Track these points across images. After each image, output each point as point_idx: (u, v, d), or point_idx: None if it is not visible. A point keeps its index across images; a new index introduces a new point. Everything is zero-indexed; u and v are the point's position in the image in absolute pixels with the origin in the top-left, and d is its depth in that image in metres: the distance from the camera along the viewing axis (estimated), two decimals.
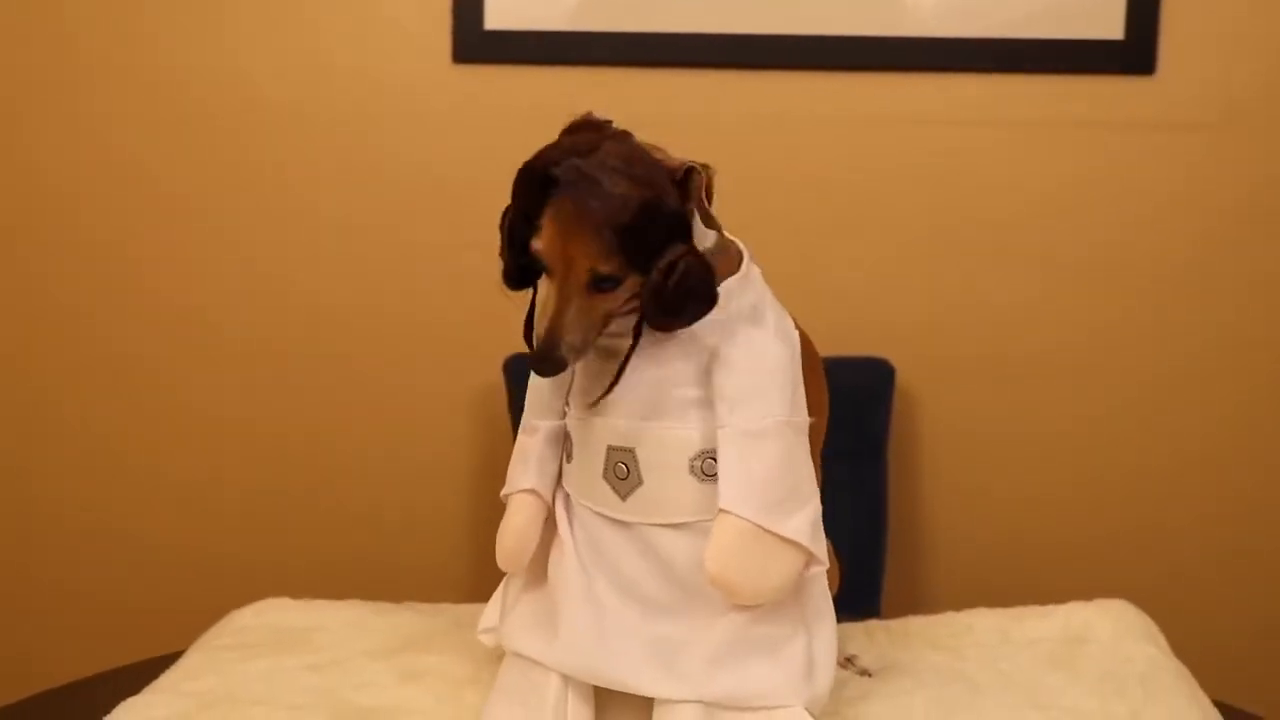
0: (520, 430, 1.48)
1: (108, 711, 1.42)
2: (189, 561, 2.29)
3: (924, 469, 2.24)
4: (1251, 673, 2.15)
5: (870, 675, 1.55)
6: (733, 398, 1.33)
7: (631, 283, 1.30)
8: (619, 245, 1.27)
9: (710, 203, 1.33)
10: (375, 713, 1.43)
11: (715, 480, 1.34)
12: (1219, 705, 1.52)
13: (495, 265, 2.17)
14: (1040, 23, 2.12)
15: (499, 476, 2.19)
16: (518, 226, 1.36)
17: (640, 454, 1.36)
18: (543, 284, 1.36)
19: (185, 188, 2.23)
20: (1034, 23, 2.12)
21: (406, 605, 1.78)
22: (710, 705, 1.33)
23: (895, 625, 1.74)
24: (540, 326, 1.32)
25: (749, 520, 1.30)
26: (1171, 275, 2.17)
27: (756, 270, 1.39)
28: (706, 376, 1.35)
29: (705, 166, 1.31)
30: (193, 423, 2.27)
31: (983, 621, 1.70)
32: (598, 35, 2.15)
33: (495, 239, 2.17)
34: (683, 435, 1.36)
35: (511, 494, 1.46)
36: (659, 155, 1.32)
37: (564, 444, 1.45)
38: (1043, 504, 2.23)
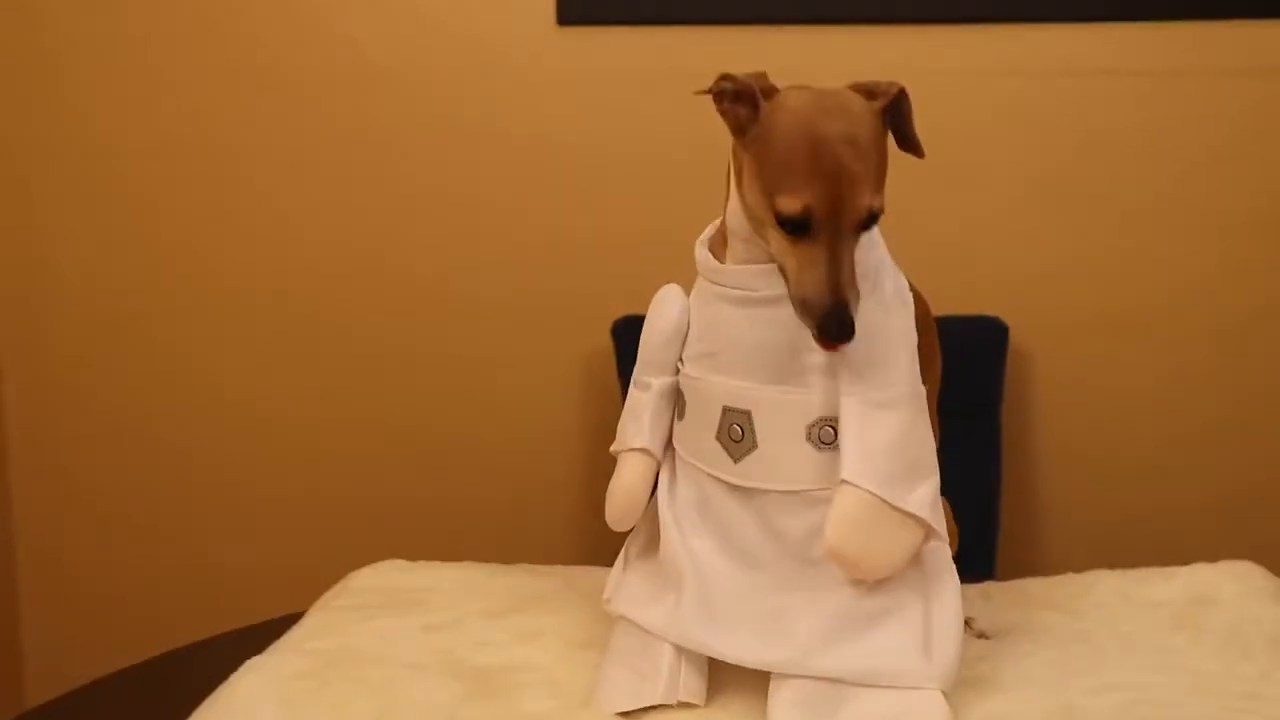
0: (632, 385, 1.46)
1: (234, 669, 1.45)
2: (310, 526, 2.34)
3: (1038, 428, 2.20)
4: None
5: (988, 638, 1.53)
6: (857, 366, 1.30)
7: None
8: (883, 176, 1.25)
9: None
10: (492, 671, 1.44)
11: (832, 448, 1.32)
12: None
13: (602, 227, 2.20)
14: None
15: (609, 440, 2.20)
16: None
17: (756, 417, 1.34)
18: (778, 242, 1.26)
19: (284, 154, 2.25)
20: None
21: (520, 567, 1.79)
22: (823, 680, 1.30)
23: (1013, 587, 1.71)
24: (817, 289, 1.22)
25: (871, 493, 1.28)
26: (1277, 219, 2.12)
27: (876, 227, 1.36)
28: None
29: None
30: (311, 394, 2.32)
31: (1103, 583, 1.67)
32: None
33: (601, 202, 2.20)
34: (802, 400, 1.33)
35: (622, 451, 1.45)
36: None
37: (676, 401, 1.43)
38: (1161, 462, 2.19)
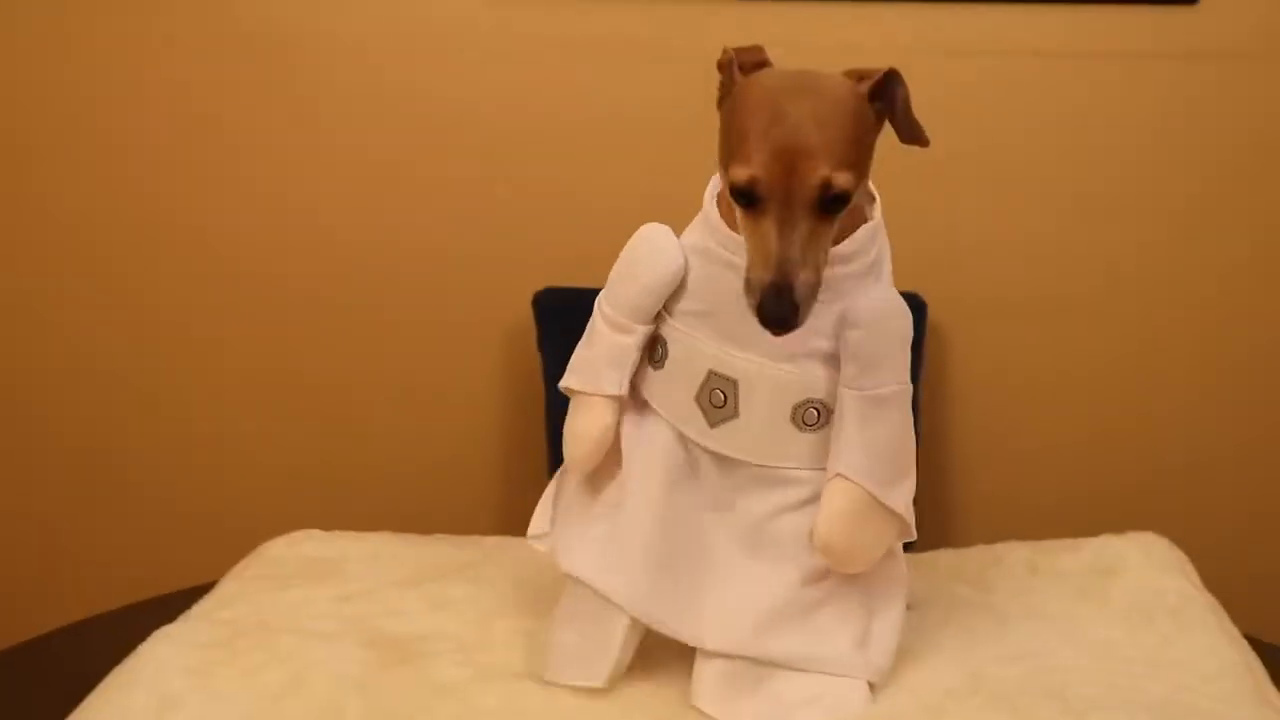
0: (604, 322, 1.40)
1: (143, 639, 1.44)
2: (222, 495, 2.31)
3: (954, 404, 2.23)
4: None
5: (910, 609, 1.55)
6: (864, 359, 1.29)
7: (832, 227, 1.22)
8: (853, 155, 1.20)
9: None
10: (406, 640, 1.44)
11: (813, 430, 1.32)
12: (1249, 639, 1.52)
13: (525, 199, 2.19)
14: None
15: (528, 411, 2.21)
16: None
17: (743, 387, 1.32)
18: (740, 219, 1.24)
19: (209, 122, 2.21)
20: None
21: (436, 537, 1.79)
22: (753, 662, 1.32)
23: (925, 559, 1.73)
24: (760, 268, 1.18)
25: (865, 489, 1.29)
26: (1208, 208, 2.14)
27: (879, 215, 1.35)
28: (836, 329, 1.30)
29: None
30: (221, 359, 2.28)
31: (1012, 554, 1.70)
32: None
33: (523, 172, 2.19)
34: (796, 380, 1.32)
35: (592, 394, 1.40)
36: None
37: (650, 348, 1.40)
38: (1074, 440, 2.22)
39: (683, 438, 1.37)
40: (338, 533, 1.79)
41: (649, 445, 1.39)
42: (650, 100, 2.14)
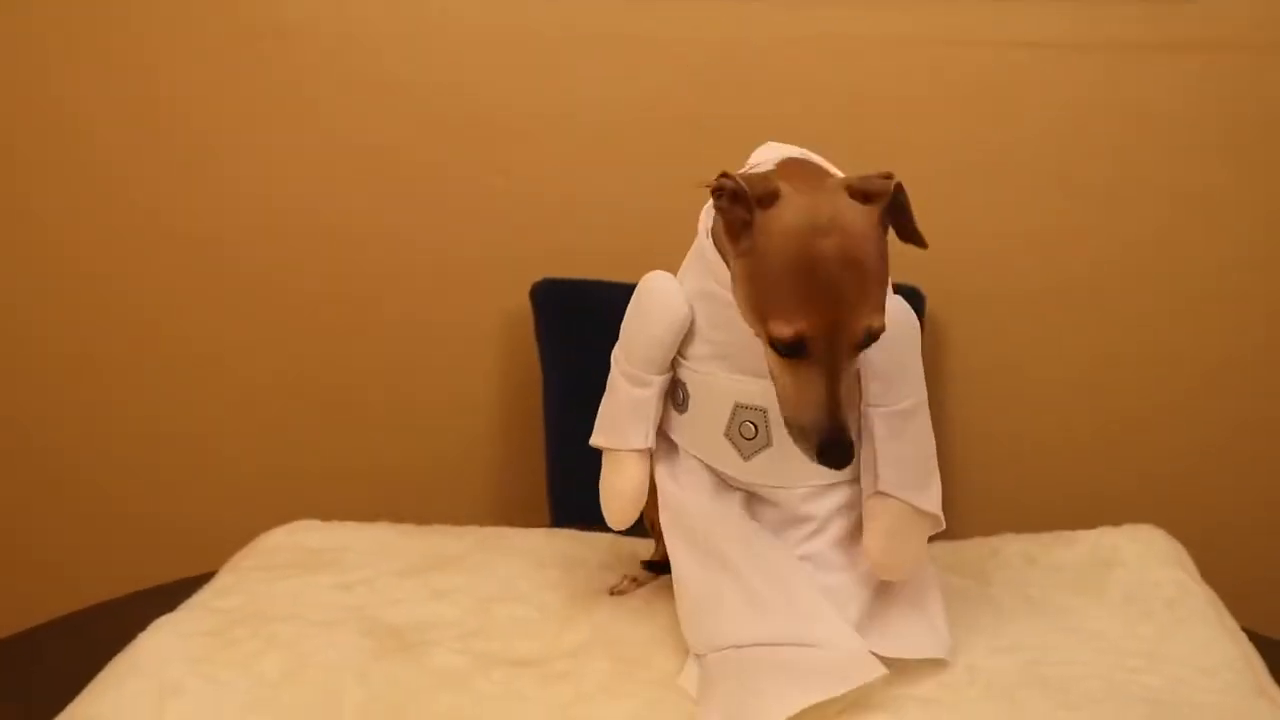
0: (622, 378, 1.42)
1: (143, 628, 1.44)
2: (222, 486, 2.32)
3: (952, 397, 2.23)
4: None
5: None
6: (885, 375, 1.33)
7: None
8: (884, 292, 1.20)
9: None
10: (404, 628, 1.44)
11: None
12: (1248, 633, 1.51)
13: (523, 190, 2.19)
14: None
15: (526, 401, 2.21)
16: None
17: (773, 414, 1.31)
18: (770, 356, 1.23)
19: (201, 109, 2.21)
20: None
21: (435, 527, 1.79)
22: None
23: None
24: (813, 414, 1.18)
25: (906, 503, 1.33)
26: (1205, 198, 2.14)
27: None
28: None
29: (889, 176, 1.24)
30: (222, 352, 2.28)
31: (1009, 547, 1.70)
32: None
33: (521, 164, 2.19)
34: None
35: (622, 450, 1.42)
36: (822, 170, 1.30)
37: (671, 394, 1.42)
38: (1072, 432, 2.22)
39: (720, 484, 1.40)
40: (336, 523, 1.79)
41: (691, 474, 1.42)
42: (648, 93, 2.14)
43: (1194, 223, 2.16)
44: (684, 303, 1.38)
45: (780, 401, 1.22)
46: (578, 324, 1.62)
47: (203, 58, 2.19)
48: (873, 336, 1.19)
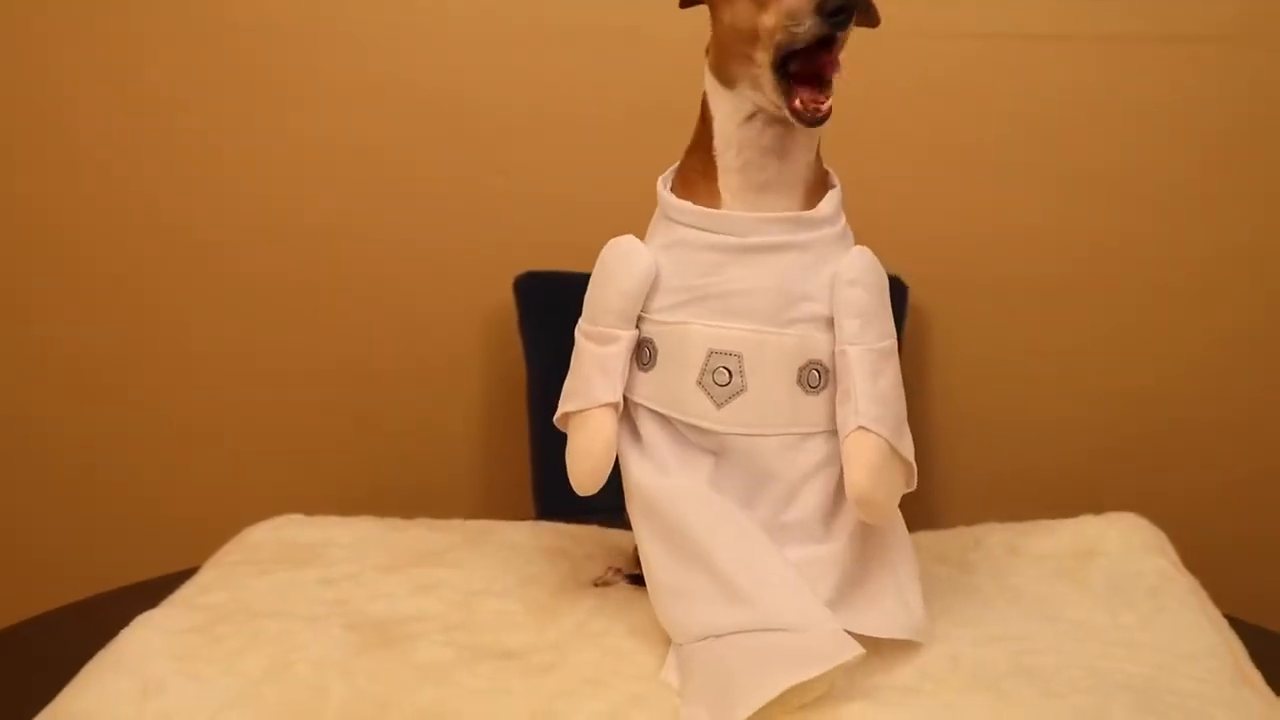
0: (588, 340, 1.41)
1: (126, 624, 1.44)
2: (206, 480, 2.32)
3: (935, 386, 2.24)
4: (1264, 588, 2.15)
5: None
6: (864, 315, 1.33)
7: None
8: None
9: None
10: (389, 622, 1.44)
11: (817, 392, 1.34)
12: (1230, 619, 1.52)
13: (505, 182, 2.19)
14: None
15: (510, 395, 2.21)
16: None
17: (747, 359, 1.33)
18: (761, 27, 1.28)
19: (189, 107, 2.21)
20: None
21: (418, 521, 1.79)
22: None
23: None
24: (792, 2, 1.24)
25: (886, 439, 1.32)
26: (1183, 190, 2.16)
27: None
28: (828, 291, 1.33)
29: None
30: (206, 346, 2.28)
31: (991, 536, 1.70)
32: None
33: (504, 158, 2.19)
34: (797, 343, 1.34)
35: (589, 409, 1.39)
36: None
37: (636, 353, 1.40)
38: (1054, 421, 2.24)
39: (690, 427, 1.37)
40: (320, 517, 1.78)
41: (652, 434, 1.40)
42: (631, 87, 2.14)
43: (1179, 214, 2.17)
44: (649, 254, 1.37)
45: (761, 35, 1.27)
46: (560, 316, 1.62)
47: (192, 56, 2.19)
48: None
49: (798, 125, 1.29)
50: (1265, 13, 2.09)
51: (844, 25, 1.24)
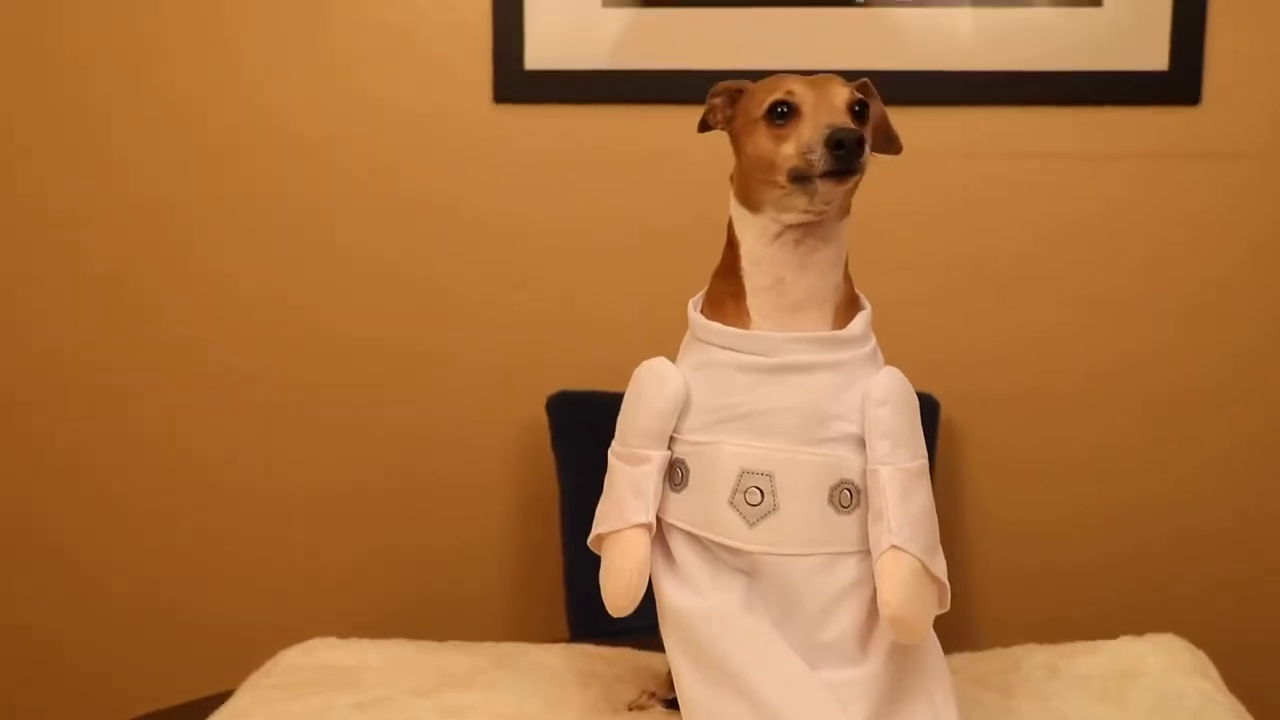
0: (621, 461, 1.41)
1: None
2: (238, 599, 2.32)
3: (969, 502, 2.23)
4: None
5: None
6: (895, 434, 1.32)
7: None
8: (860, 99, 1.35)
9: None
10: None
11: (849, 512, 1.34)
12: None
13: (537, 302, 2.22)
14: (1083, 54, 2.13)
15: (542, 514, 2.21)
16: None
17: (779, 479, 1.33)
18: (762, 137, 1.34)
19: (217, 225, 2.25)
20: (1076, 54, 2.13)
21: (450, 644, 1.78)
22: None
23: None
24: (813, 133, 1.28)
25: (918, 558, 1.31)
26: (1215, 304, 2.17)
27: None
28: (859, 411, 1.34)
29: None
30: (239, 464, 2.30)
31: (1031, 658, 1.68)
32: (636, 73, 2.18)
33: (538, 278, 2.22)
34: (828, 462, 1.34)
35: (623, 530, 1.38)
36: None
37: (668, 475, 1.40)
38: (1089, 532, 2.22)
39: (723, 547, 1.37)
40: (353, 640, 1.77)
41: (686, 556, 1.39)
42: (661, 207, 2.18)
43: (1200, 326, 2.18)
44: (679, 375, 1.38)
45: (780, 164, 1.30)
46: (593, 435, 1.63)
47: (222, 172, 2.24)
48: (862, 106, 1.33)
49: (826, 195, 1.31)
50: None
51: (849, 163, 1.27)
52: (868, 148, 1.29)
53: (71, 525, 2.33)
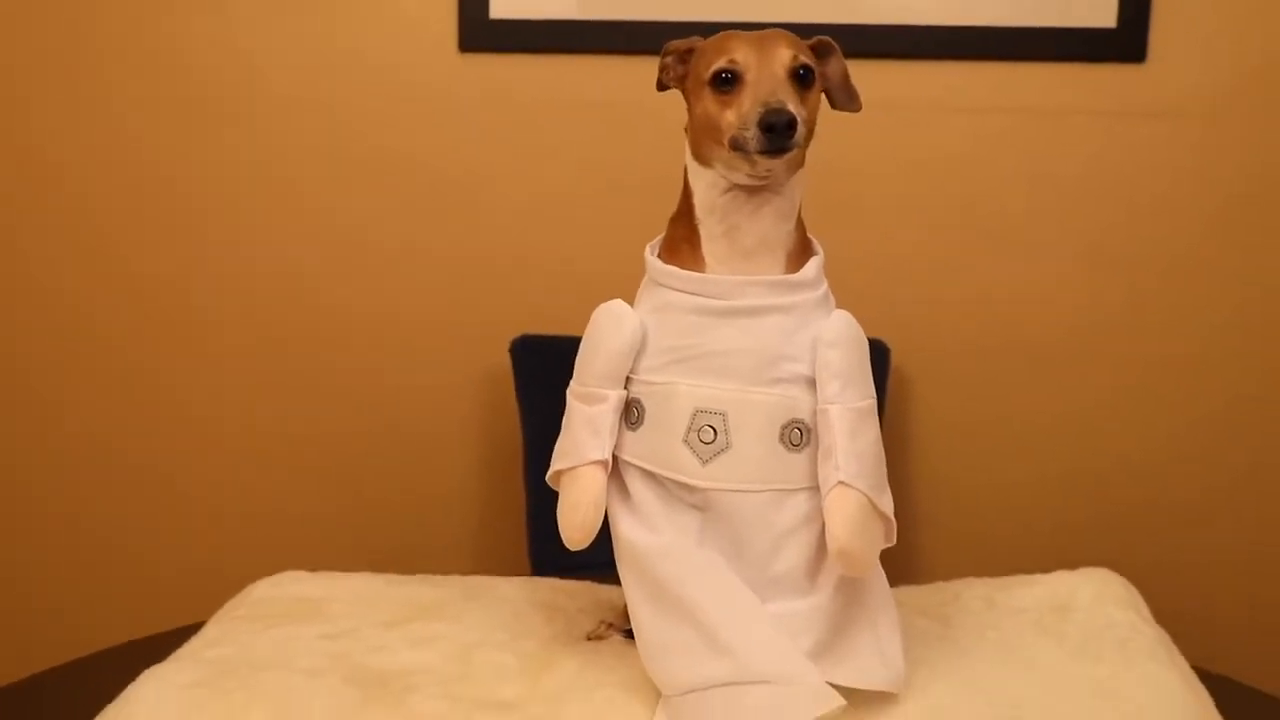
0: (579, 400, 1.45)
1: (134, 678, 1.47)
2: (209, 541, 2.36)
3: (916, 449, 2.28)
4: (1235, 643, 2.19)
5: None
6: (845, 375, 1.37)
7: (813, 101, 1.38)
8: (809, 50, 1.39)
9: None
10: (387, 675, 1.47)
11: (799, 450, 1.38)
12: (1199, 671, 1.56)
13: (502, 249, 2.25)
14: (1032, 11, 2.16)
15: (506, 457, 2.24)
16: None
17: (731, 418, 1.38)
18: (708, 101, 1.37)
19: (183, 176, 2.27)
20: (1025, 11, 2.16)
21: (417, 577, 1.82)
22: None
23: None
24: (751, 106, 1.32)
25: (865, 495, 1.35)
26: (1161, 262, 2.21)
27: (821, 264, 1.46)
28: (810, 353, 1.38)
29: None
30: (208, 411, 2.33)
31: (970, 590, 1.74)
32: (603, 24, 2.19)
33: (501, 226, 2.24)
34: (781, 402, 1.38)
35: (579, 466, 1.43)
36: None
37: (625, 412, 1.44)
38: (1033, 485, 2.27)
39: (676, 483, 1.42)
40: (321, 573, 1.81)
41: (641, 492, 1.43)
42: (626, 156, 2.20)
43: (1163, 287, 2.22)
44: (636, 317, 1.42)
45: (724, 130, 1.34)
46: (555, 379, 1.66)
47: (185, 130, 2.25)
48: (806, 69, 1.36)
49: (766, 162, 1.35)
50: (1247, 89, 2.15)
51: (780, 143, 1.31)
52: (801, 127, 1.32)
53: (49, 471, 2.36)
